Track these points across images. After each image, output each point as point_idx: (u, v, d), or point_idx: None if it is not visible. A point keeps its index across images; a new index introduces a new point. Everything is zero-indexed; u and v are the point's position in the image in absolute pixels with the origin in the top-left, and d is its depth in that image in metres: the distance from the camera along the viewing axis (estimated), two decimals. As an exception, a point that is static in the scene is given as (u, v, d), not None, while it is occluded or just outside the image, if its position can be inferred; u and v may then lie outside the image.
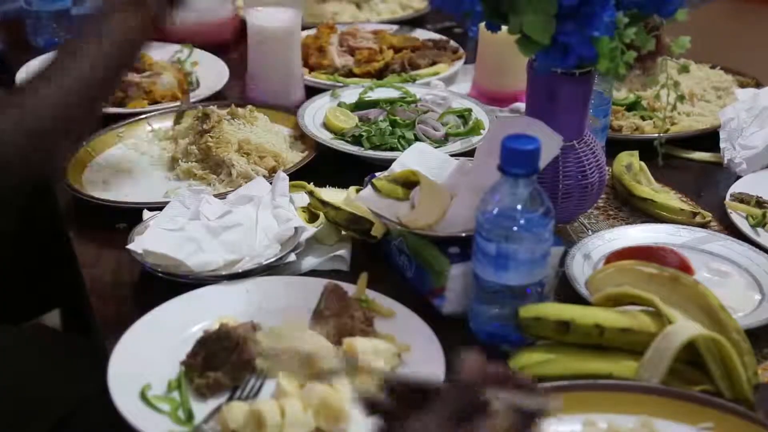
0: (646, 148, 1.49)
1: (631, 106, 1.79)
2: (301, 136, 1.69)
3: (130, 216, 1.41)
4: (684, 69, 1.24)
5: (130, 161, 1.63)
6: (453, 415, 0.77)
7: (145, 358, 1.13)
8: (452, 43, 2.08)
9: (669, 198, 1.52)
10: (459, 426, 0.77)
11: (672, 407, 1.06)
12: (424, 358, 1.14)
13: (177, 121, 1.73)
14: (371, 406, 0.81)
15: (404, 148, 1.54)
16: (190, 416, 1.06)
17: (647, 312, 1.15)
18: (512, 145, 1.10)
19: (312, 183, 1.44)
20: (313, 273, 1.32)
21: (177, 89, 1.84)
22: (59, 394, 1.31)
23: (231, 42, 2.13)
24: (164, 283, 1.27)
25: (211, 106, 1.67)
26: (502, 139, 1.11)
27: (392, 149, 1.59)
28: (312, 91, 1.81)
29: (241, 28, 2.05)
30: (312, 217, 1.39)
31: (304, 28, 1.92)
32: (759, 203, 1.49)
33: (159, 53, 2.00)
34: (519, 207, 1.12)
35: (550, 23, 1.17)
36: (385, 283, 1.27)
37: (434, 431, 0.77)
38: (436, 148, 1.53)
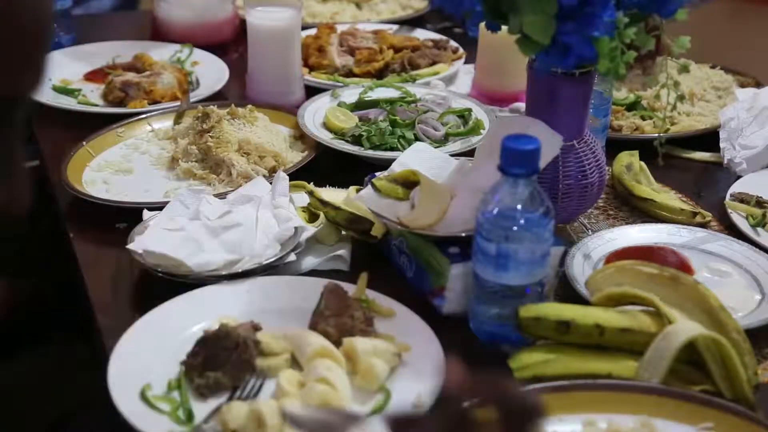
0: (646, 148, 1.49)
1: (631, 106, 1.79)
2: (301, 136, 1.69)
3: (130, 216, 1.41)
4: (684, 69, 1.24)
5: (130, 161, 1.63)
6: None
7: (145, 358, 1.13)
8: (452, 43, 2.08)
9: (669, 198, 1.52)
10: None
11: (672, 407, 1.06)
12: (424, 358, 1.14)
13: (177, 121, 1.73)
14: None
15: (404, 148, 1.54)
16: (190, 416, 1.06)
17: (647, 312, 1.15)
18: (512, 145, 1.10)
19: (312, 183, 1.44)
20: (313, 273, 1.32)
21: (177, 89, 1.84)
22: (59, 394, 1.31)
23: (231, 42, 2.13)
24: (164, 283, 1.26)
25: (211, 106, 1.67)
26: (502, 139, 1.11)
27: (392, 149, 1.59)
28: (312, 91, 1.81)
29: (241, 28, 2.05)
30: (312, 217, 1.39)
31: (304, 28, 1.92)
32: (759, 203, 1.49)
33: (159, 53, 2.01)
34: (519, 207, 1.12)
35: (550, 23, 1.17)
36: (385, 283, 1.27)
37: None
38: (436, 148, 1.53)
